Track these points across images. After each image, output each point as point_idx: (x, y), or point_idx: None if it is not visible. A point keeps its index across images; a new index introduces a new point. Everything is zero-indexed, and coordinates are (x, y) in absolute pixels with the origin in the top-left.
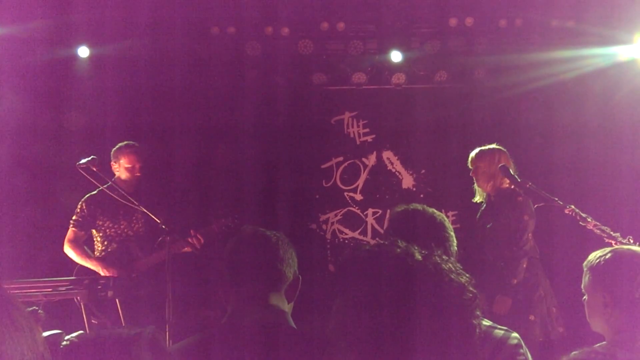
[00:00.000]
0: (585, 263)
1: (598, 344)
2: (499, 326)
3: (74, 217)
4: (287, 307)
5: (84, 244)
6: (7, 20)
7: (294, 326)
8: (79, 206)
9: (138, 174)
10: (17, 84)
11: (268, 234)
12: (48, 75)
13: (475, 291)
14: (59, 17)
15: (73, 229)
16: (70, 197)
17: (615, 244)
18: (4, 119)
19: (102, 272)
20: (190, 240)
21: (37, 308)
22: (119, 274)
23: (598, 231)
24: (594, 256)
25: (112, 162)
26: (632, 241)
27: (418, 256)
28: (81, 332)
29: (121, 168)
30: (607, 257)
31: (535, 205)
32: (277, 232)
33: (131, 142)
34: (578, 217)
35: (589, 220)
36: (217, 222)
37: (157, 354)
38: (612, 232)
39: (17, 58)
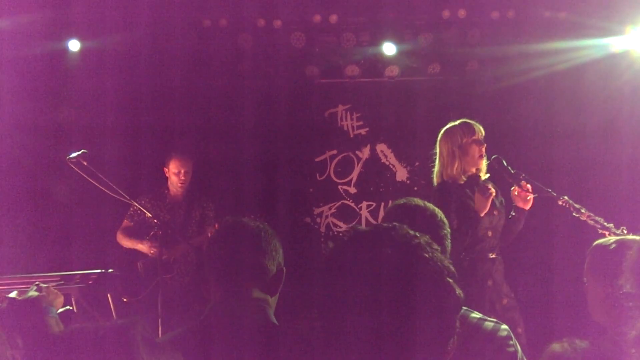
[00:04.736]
0: (588, 251)
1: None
2: (489, 318)
3: (129, 212)
4: (271, 301)
5: (135, 234)
6: (4, 13)
7: (275, 322)
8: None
9: (183, 178)
10: (13, 80)
11: (251, 225)
12: (45, 70)
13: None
14: (53, 10)
15: (125, 220)
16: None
17: (609, 234)
18: (2, 116)
19: (146, 250)
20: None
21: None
22: (160, 255)
23: (592, 222)
24: (598, 244)
25: (164, 168)
26: (625, 232)
27: (425, 253)
28: (68, 307)
29: (170, 173)
30: (611, 247)
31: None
32: (261, 222)
33: (179, 149)
34: (572, 208)
35: (582, 211)
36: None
37: (148, 342)
38: (605, 223)
39: (13, 52)
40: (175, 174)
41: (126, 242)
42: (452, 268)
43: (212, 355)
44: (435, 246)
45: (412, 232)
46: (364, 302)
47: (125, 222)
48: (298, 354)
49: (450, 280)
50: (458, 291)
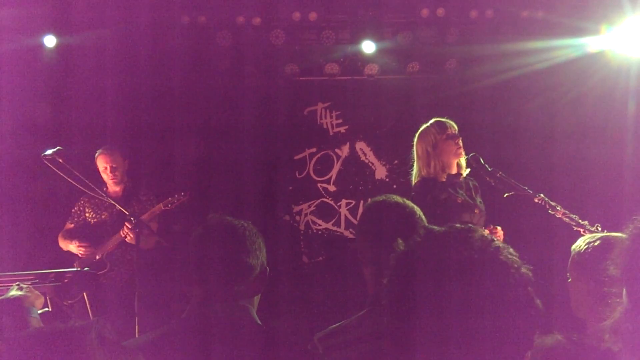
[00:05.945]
0: (573, 247)
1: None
2: None
3: (71, 213)
4: (254, 301)
5: (78, 236)
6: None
7: (259, 322)
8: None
9: (111, 174)
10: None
11: (235, 224)
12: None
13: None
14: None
15: (67, 222)
16: (71, 196)
17: (584, 232)
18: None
19: (75, 250)
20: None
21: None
22: (93, 256)
23: (567, 219)
24: (582, 241)
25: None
26: (599, 229)
27: (504, 257)
28: (47, 309)
29: (100, 171)
30: (595, 244)
31: (505, 195)
32: (245, 221)
33: (106, 146)
34: (547, 206)
35: (558, 208)
36: (163, 201)
37: (105, 345)
38: (580, 220)
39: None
40: (103, 171)
41: (62, 244)
42: (531, 276)
43: (193, 357)
44: (513, 251)
45: (488, 236)
46: (437, 303)
47: (67, 224)
48: (283, 354)
49: (531, 289)
50: (538, 302)
